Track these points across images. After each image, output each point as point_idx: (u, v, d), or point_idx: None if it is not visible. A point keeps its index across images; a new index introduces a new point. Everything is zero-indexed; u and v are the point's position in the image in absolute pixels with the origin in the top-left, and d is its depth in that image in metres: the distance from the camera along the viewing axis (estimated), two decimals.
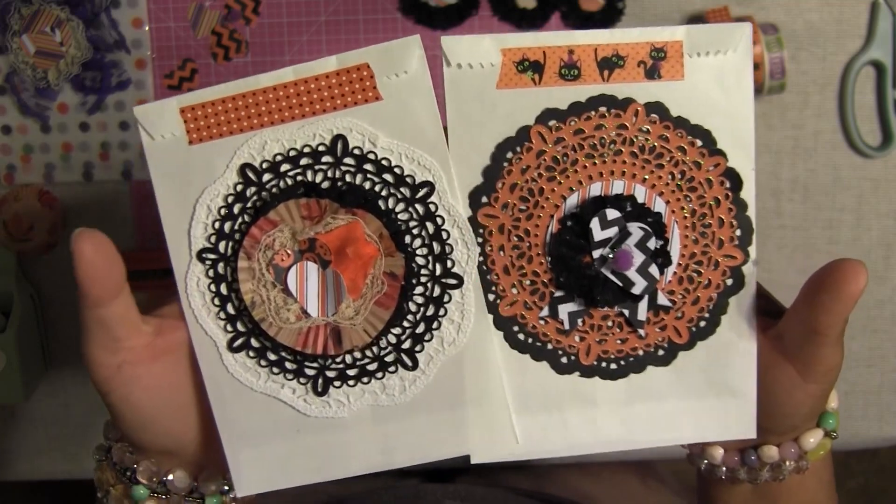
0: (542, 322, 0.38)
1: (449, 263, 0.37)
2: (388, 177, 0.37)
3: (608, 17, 0.65)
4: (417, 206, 0.37)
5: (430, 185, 0.37)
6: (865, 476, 1.28)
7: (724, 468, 0.41)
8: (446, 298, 0.37)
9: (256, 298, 0.37)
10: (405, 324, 0.38)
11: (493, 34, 0.36)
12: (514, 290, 0.38)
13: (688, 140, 0.37)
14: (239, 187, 0.37)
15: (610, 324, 0.38)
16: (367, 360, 0.38)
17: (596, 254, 0.37)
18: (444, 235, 0.37)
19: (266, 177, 0.37)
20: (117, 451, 0.40)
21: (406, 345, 0.38)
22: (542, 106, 0.37)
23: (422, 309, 0.38)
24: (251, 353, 0.38)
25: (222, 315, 0.37)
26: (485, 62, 0.36)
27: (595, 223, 0.37)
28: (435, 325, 0.38)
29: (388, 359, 0.38)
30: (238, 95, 0.36)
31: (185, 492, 0.40)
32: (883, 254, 0.68)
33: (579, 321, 0.38)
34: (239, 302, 0.37)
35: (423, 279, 0.37)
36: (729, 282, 0.38)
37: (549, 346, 0.38)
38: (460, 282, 0.37)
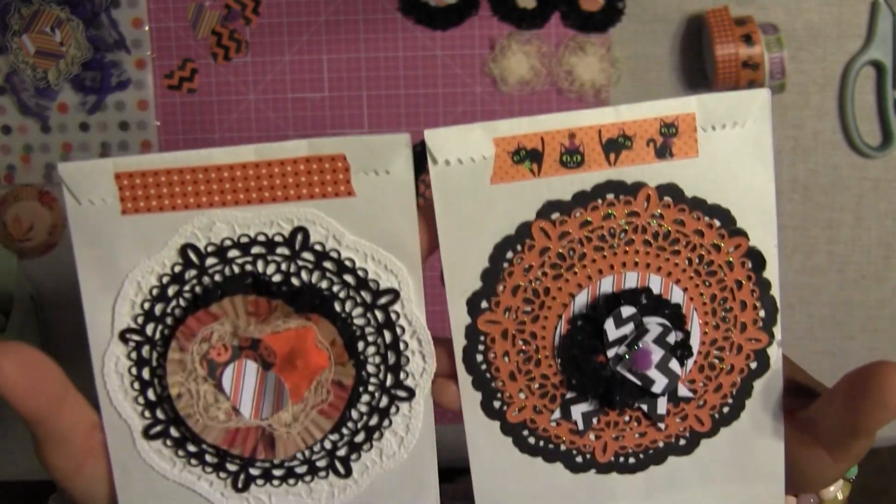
0: (553, 424, 0.34)
1: (402, 375, 0.33)
2: (348, 278, 0.32)
3: (608, 17, 0.65)
4: (377, 312, 0.33)
5: (394, 293, 0.33)
6: (865, 476, 1.28)
7: None
8: (393, 410, 0.34)
9: (184, 392, 0.33)
10: (344, 430, 0.34)
11: (482, 123, 0.31)
12: (522, 395, 0.34)
13: (705, 222, 0.33)
14: (177, 268, 0.32)
15: (627, 419, 0.34)
16: (296, 462, 0.34)
17: (611, 353, 0.33)
18: (402, 346, 0.33)
19: (210, 261, 0.32)
20: None
21: (341, 452, 0.34)
22: (544, 199, 0.32)
23: (365, 418, 0.34)
24: (168, 443, 0.34)
25: (141, 400, 0.33)
26: (475, 156, 0.32)
27: (610, 323, 0.33)
28: (376, 435, 0.34)
29: (320, 463, 0.34)
30: (186, 169, 0.31)
31: None
32: (883, 254, 0.67)
33: (594, 420, 0.34)
34: (161, 389, 0.33)
35: (371, 388, 0.33)
36: (753, 365, 0.35)
37: (563, 448, 0.35)
38: (411, 395, 0.34)
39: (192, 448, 0.34)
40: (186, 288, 0.33)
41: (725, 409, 0.35)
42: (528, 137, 0.32)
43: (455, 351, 0.33)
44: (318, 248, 0.32)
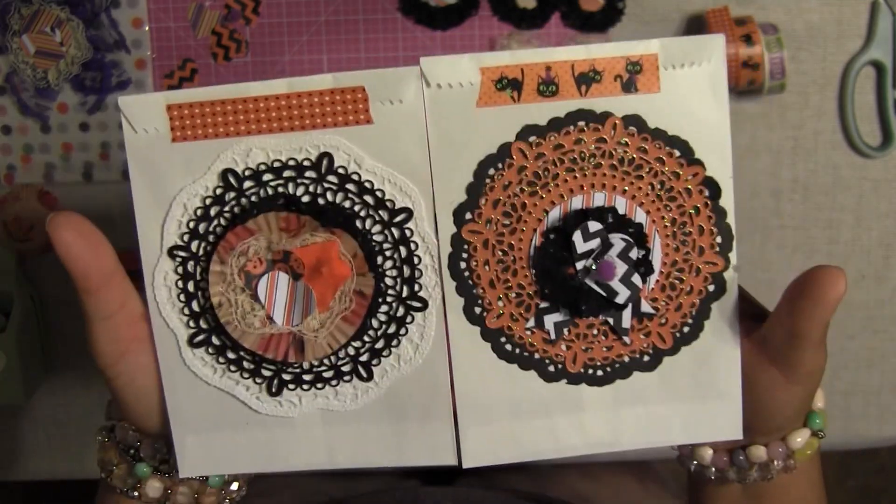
0: (528, 333, 0.39)
1: (416, 287, 0.38)
2: (368, 199, 0.37)
3: (608, 17, 0.66)
4: (394, 229, 0.37)
5: (408, 212, 0.37)
6: (865, 476, 1.28)
7: (714, 469, 0.42)
8: (409, 319, 0.38)
9: (224, 301, 0.38)
10: (366, 338, 0.38)
11: (470, 54, 0.37)
12: (500, 303, 0.39)
13: (666, 151, 0.38)
14: (218, 191, 0.37)
15: (595, 332, 0.39)
16: (323, 368, 0.39)
17: (579, 265, 0.38)
18: (416, 260, 0.38)
19: (247, 184, 0.37)
20: (120, 429, 0.41)
21: (364, 357, 0.39)
22: (522, 122, 0.37)
23: (384, 326, 0.38)
24: (210, 350, 0.38)
25: (186, 311, 0.38)
26: (464, 81, 0.37)
27: (578, 236, 0.37)
28: (395, 342, 0.38)
29: (345, 368, 0.39)
30: (228, 100, 0.36)
31: None
32: (883, 254, 0.69)
33: (565, 331, 0.39)
34: (205, 301, 0.38)
35: (389, 299, 0.38)
36: (711, 288, 0.39)
37: (537, 356, 0.39)
38: (425, 305, 0.38)
39: (231, 355, 0.39)
40: (227, 208, 0.37)
41: (686, 329, 0.40)
42: (510, 68, 0.37)
43: (441, 258, 0.38)
44: (341, 171, 0.37)
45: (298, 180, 0.37)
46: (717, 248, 0.39)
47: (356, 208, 0.37)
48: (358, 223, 0.37)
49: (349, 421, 0.39)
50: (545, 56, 0.37)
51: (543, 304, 0.39)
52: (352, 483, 0.54)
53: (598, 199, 0.38)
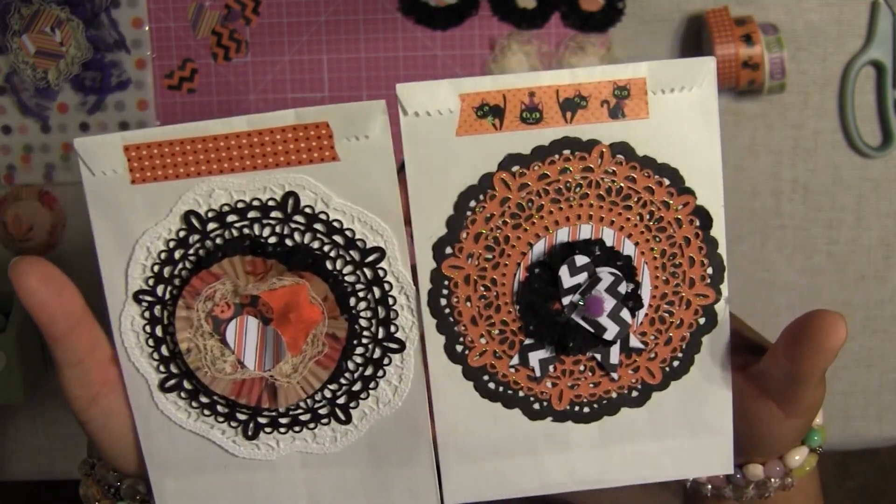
0: (512, 370, 0.37)
1: (392, 328, 0.36)
2: (338, 238, 0.35)
3: (608, 17, 0.65)
4: (366, 269, 0.36)
5: (380, 251, 0.35)
6: (865, 476, 1.28)
7: (710, 486, 0.41)
8: (386, 361, 0.37)
9: (192, 347, 0.36)
10: (342, 381, 0.37)
11: (449, 79, 0.35)
12: (483, 340, 0.37)
13: (655, 180, 0.36)
14: (182, 233, 0.35)
15: (582, 368, 0.37)
16: (300, 411, 0.37)
17: (566, 300, 0.36)
18: (391, 301, 0.36)
19: (211, 226, 0.35)
20: (100, 468, 0.40)
21: (341, 400, 0.37)
22: (505, 151, 0.35)
23: (360, 369, 0.37)
24: (183, 395, 0.37)
25: (156, 356, 0.37)
26: (443, 108, 0.35)
27: (564, 270, 0.35)
28: (372, 385, 0.37)
29: (322, 411, 0.37)
30: (187, 139, 0.34)
31: None
32: (883, 254, 0.68)
33: (550, 368, 0.37)
34: (174, 345, 0.36)
35: (364, 341, 0.37)
36: (702, 321, 0.37)
37: (521, 394, 0.37)
38: (402, 346, 0.36)
39: (204, 399, 0.37)
40: (191, 251, 0.36)
41: (675, 363, 0.38)
42: (491, 94, 0.35)
43: (420, 294, 0.36)
44: (308, 210, 0.35)
45: (264, 221, 0.35)
46: (708, 280, 0.37)
47: (325, 249, 0.35)
48: (328, 264, 0.35)
49: (330, 464, 0.38)
50: (528, 81, 0.35)
51: (528, 341, 0.37)
52: None
53: (585, 231, 0.36)
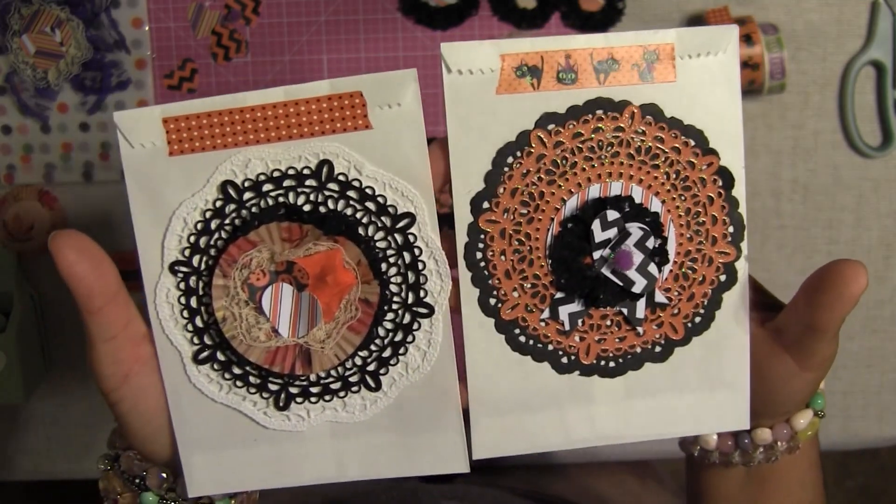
0: (542, 324, 0.39)
1: (422, 293, 0.38)
2: (370, 205, 0.37)
3: (608, 17, 0.66)
4: (397, 235, 0.37)
5: (411, 217, 0.37)
6: (865, 476, 1.28)
7: (718, 453, 0.43)
8: (416, 326, 0.38)
9: (228, 315, 0.37)
10: (373, 347, 0.38)
11: (491, 40, 0.36)
12: (516, 294, 0.38)
13: (682, 140, 0.38)
14: (218, 203, 0.36)
15: (609, 323, 0.39)
16: (331, 379, 0.38)
17: (596, 255, 0.38)
18: (420, 266, 0.37)
19: (247, 195, 0.36)
20: (126, 459, 0.40)
21: (371, 367, 0.38)
22: (541, 110, 0.37)
23: (391, 334, 0.38)
24: (216, 366, 0.38)
25: (190, 328, 0.37)
26: (484, 68, 0.36)
27: (596, 224, 0.37)
28: (402, 350, 0.38)
29: (353, 379, 0.38)
30: (224, 111, 0.36)
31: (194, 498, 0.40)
32: (883, 254, 0.69)
33: (579, 322, 0.39)
34: (208, 316, 0.37)
35: (395, 306, 0.38)
36: (723, 278, 0.39)
37: (550, 347, 0.39)
38: (431, 311, 0.38)
39: (236, 370, 0.38)
40: (227, 221, 0.37)
41: (697, 319, 0.40)
42: (529, 55, 0.37)
43: (457, 248, 0.38)
44: (341, 178, 0.37)
45: (299, 189, 0.36)
46: (730, 238, 0.39)
47: (358, 215, 0.37)
48: (360, 230, 0.37)
49: (359, 433, 0.39)
50: (565, 44, 0.37)
51: (559, 295, 0.38)
52: (347, 483, 0.53)
53: (616, 188, 0.38)
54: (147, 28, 0.66)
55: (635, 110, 0.37)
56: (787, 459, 0.42)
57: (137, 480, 0.40)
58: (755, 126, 0.67)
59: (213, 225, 0.37)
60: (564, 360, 0.39)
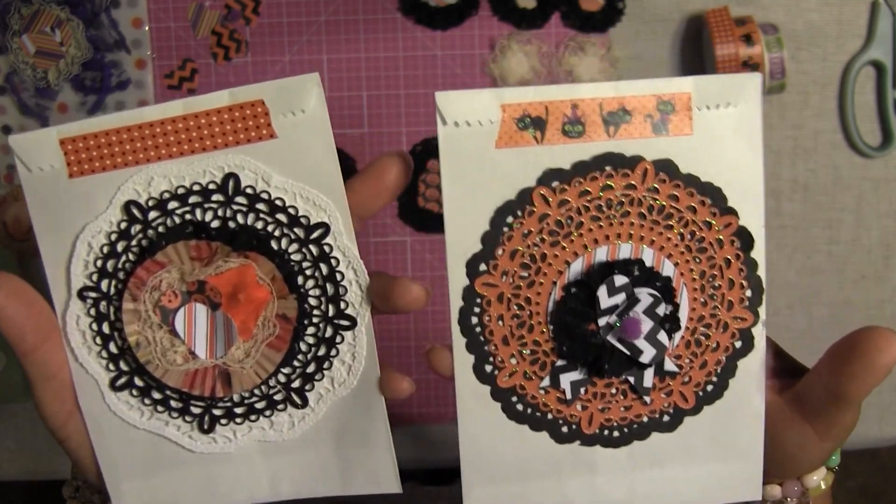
0: (542, 392, 0.36)
1: (342, 305, 0.35)
2: (281, 217, 0.35)
3: (608, 17, 0.65)
4: (311, 246, 0.35)
5: (325, 226, 0.35)
6: (865, 476, 1.28)
7: None
8: (338, 339, 0.36)
9: (141, 340, 0.35)
10: (296, 363, 0.36)
11: (490, 89, 0.33)
12: (514, 361, 0.35)
13: (698, 199, 0.34)
14: (123, 224, 0.34)
15: (614, 391, 0.36)
16: (255, 399, 0.36)
17: (602, 322, 0.35)
18: (339, 277, 0.35)
19: (152, 214, 0.34)
20: (84, 490, 0.40)
21: (296, 384, 0.36)
22: (545, 166, 0.34)
23: (313, 349, 0.36)
24: (134, 392, 0.36)
25: (104, 354, 0.35)
26: (483, 119, 0.33)
27: (602, 290, 0.34)
28: (326, 364, 0.36)
29: (277, 397, 0.36)
30: (122, 128, 0.34)
31: None
32: (883, 254, 0.67)
33: (582, 390, 0.36)
34: (122, 341, 0.35)
35: (315, 320, 0.36)
36: (738, 344, 0.36)
37: (550, 416, 0.36)
38: (353, 323, 0.35)
39: (156, 395, 0.36)
40: (133, 242, 0.35)
41: (709, 388, 0.36)
42: (533, 105, 0.33)
43: (452, 313, 0.35)
44: (249, 191, 0.34)
45: (205, 205, 0.34)
46: (747, 303, 0.35)
47: (269, 228, 0.35)
48: (273, 244, 0.35)
49: (289, 450, 0.37)
50: (571, 93, 0.33)
51: (560, 363, 0.35)
52: None
53: (625, 251, 0.34)
54: (147, 28, 0.66)
55: (648, 167, 0.34)
56: None
57: None
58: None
59: (120, 247, 0.35)
60: (565, 429, 0.36)
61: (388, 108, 0.65)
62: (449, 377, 0.35)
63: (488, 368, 0.35)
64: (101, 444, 0.37)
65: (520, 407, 0.36)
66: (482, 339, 0.35)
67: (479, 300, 0.35)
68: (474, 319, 0.35)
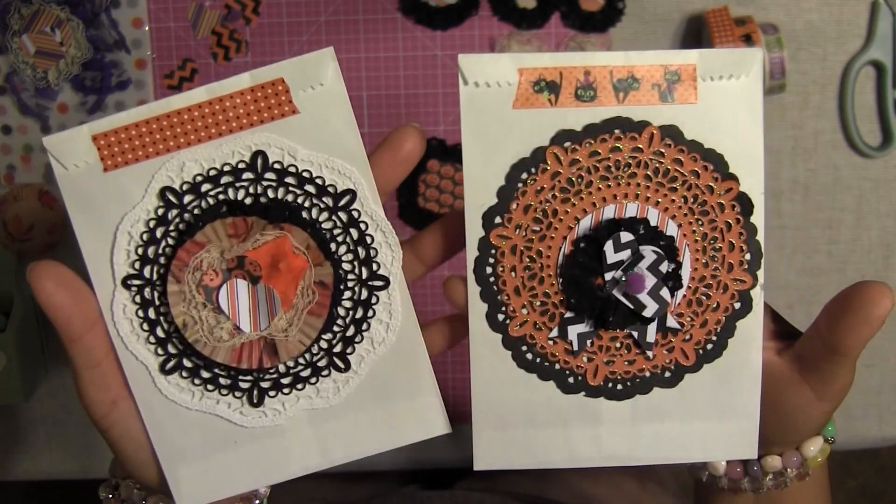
0: (550, 343, 0.38)
1: (374, 266, 0.38)
2: (309, 188, 0.37)
3: (608, 17, 0.65)
4: (341, 213, 0.37)
5: (351, 193, 0.37)
6: (865, 476, 1.28)
7: (727, 479, 0.42)
8: (374, 300, 0.38)
9: (188, 320, 0.37)
10: (335, 328, 0.38)
11: (510, 54, 0.36)
12: (525, 311, 0.38)
13: (701, 164, 0.37)
14: (160, 211, 0.36)
15: (618, 345, 0.38)
16: (300, 368, 0.38)
17: (608, 276, 0.37)
18: (369, 240, 0.37)
19: (187, 198, 0.36)
20: (125, 488, 0.40)
21: (337, 348, 0.38)
22: (558, 127, 0.36)
23: (350, 312, 0.38)
24: (184, 374, 0.38)
25: (152, 339, 0.37)
26: (502, 81, 0.36)
27: (609, 245, 0.36)
28: (364, 326, 0.38)
29: (321, 363, 0.38)
30: (151, 119, 0.35)
31: None
32: (883, 254, 0.68)
33: (588, 342, 0.38)
34: (168, 325, 0.37)
35: (350, 284, 0.38)
36: (737, 305, 0.38)
37: (557, 367, 0.38)
38: (386, 283, 0.38)
39: (205, 374, 0.38)
40: (172, 227, 0.37)
41: (709, 346, 0.39)
42: (548, 70, 0.36)
43: (467, 262, 0.37)
44: (277, 166, 0.37)
45: (237, 184, 0.36)
46: (746, 266, 0.38)
47: (300, 200, 0.37)
48: (304, 214, 0.37)
49: (337, 415, 0.39)
50: (584, 60, 0.36)
51: (568, 315, 0.38)
52: (350, 487, 0.53)
53: (631, 210, 0.37)
54: (147, 28, 0.66)
55: (655, 131, 0.36)
56: (796, 486, 0.41)
57: None
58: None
59: (159, 233, 0.36)
60: (571, 380, 0.38)
61: (388, 108, 0.66)
62: (461, 308, 0.38)
63: (500, 317, 0.38)
64: (156, 431, 0.38)
65: (529, 356, 0.38)
66: (495, 288, 0.37)
67: (493, 251, 0.37)
68: (488, 269, 0.37)
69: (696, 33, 0.66)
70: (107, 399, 0.37)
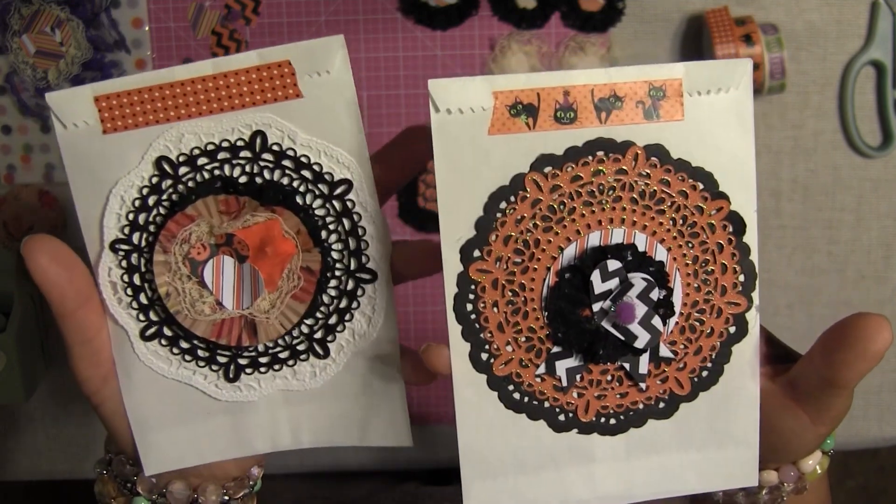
0: (538, 380, 0.36)
1: (364, 259, 0.37)
2: (306, 173, 0.36)
3: (608, 17, 0.65)
4: (335, 202, 0.36)
5: (348, 183, 0.36)
6: (865, 476, 1.28)
7: (721, 493, 0.41)
8: (360, 292, 0.37)
9: (171, 290, 0.36)
10: (318, 315, 0.37)
11: (482, 76, 0.33)
12: (509, 348, 0.35)
13: (689, 184, 0.35)
14: (154, 179, 0.36)
15: (609, 378, 0.36)
16: (278, 349, 0.38)
17: (596, 307, 0.35)
18: (360, 231, 0.36)
19: (182, 170, 0.36)
20: (117, 463, 0.39)
21: (318, 335, 0.38)
22: (537, 152, 0.34)
23: (335, 301, 0.37)
24: (163, 342, 0.37)
25: (135, 305, 0.37)
26: (475, 106, 0.33)
27: (596, 275, 0.34)
28: (347, 317, 0.37)
29: (301, 347, 0.38)
30: (155, 86, 0.35)
31: (186, 503, 0.39)
32: (883, 254, 0.67)
33: (577, 377, 0.36)
34: (152, 292, 0.37)
35: (337, 273, 0.37)
36: (732, 329, 0.36)
37: (546, 405, 0.36)
38: (374, 276, 0.37)
39: (184, 345, 0.37)
40: (164, 197, 0.36)
41: (704, 373, 0.37)
42: (525, 92, 0.34)
43: (446, 299, 0.35)
44: (275, 148, 0.36)
45: (234, 161, 0.36)
46: (740, 288, 0.36)
47: (295, 184, 0.36)
48: (298, 199, 0.36)
49: (311, 399, 0.38)
50: (563, 80, 0.33)
51: (555, 349, 0.35)
52: (348, 486, 0.53)
53: (617, 236, 0.35)
54: (147, 28, 0.65)
55: (639, 151, 0.34)
56: (794, 499, 0.40)
57: (129, 485, 0.39)
58: (755, 126, 0.66)
59: (151, 201, 0.36)
60: (562, 417, 0.36)
61: (388, 108, 0.65)
62: (447, 375, 0.35)
63: (484, 357, 0.35)
64: (130, 396, 0.37)
65: (517, 395, 0.36)
66: (477, 326, 0.35)
67: (473, 286, 0.35)
68: (469, 306, 0.35)
69: (696, 33, 0.66)
70: (98, 375, 0.36)
